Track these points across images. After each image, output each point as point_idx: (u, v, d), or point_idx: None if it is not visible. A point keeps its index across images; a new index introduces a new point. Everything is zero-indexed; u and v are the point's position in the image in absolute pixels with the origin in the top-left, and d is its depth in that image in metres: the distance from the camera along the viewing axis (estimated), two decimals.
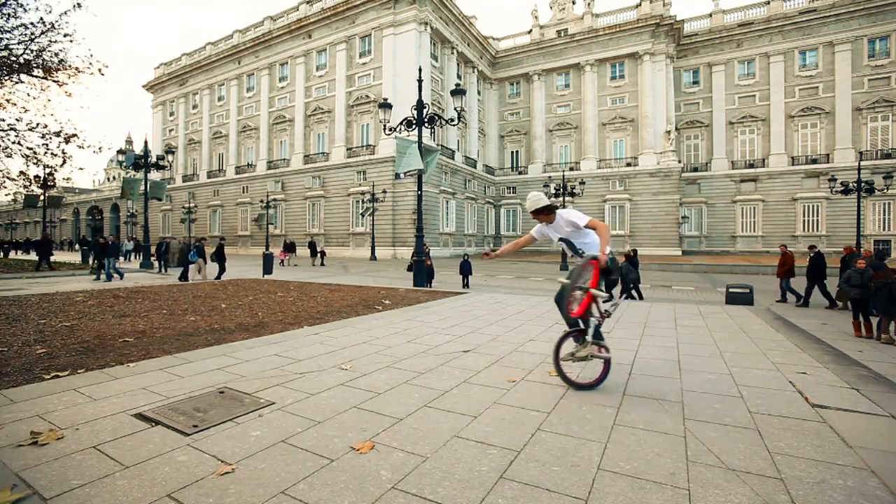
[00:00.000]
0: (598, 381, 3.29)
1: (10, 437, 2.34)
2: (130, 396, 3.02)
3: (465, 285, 12.80)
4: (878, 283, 6.28)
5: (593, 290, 3.12)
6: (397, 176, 12.37)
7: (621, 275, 10.54)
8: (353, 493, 1.86)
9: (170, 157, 19.81)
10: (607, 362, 3.29)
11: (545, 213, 3.41)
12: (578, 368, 3.64)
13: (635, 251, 11.46)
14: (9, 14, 14.09)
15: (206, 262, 13.59)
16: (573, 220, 3.31)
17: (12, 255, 32.64)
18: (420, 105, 12.12)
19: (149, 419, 2.62)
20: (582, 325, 3.29)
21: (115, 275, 13.64)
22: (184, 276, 13.13)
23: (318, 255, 24.16)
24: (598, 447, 2.32)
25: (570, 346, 3.40)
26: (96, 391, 3.11)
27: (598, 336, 3.28)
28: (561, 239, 3.46)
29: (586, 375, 3.49)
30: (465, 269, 13.09)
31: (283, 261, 23.39)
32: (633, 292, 10.67)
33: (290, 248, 24.67)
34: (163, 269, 16.66)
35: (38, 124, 15.66)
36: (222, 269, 13.90)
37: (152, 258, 18.65)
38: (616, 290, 11.23)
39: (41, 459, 2.10)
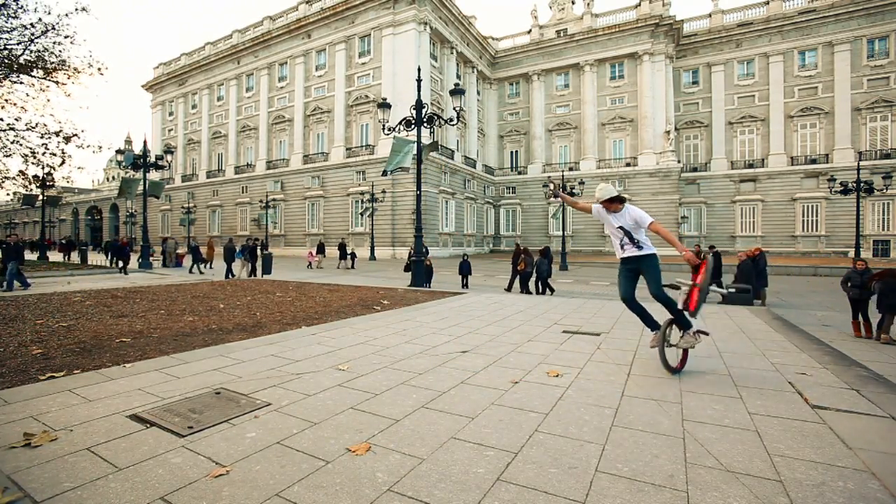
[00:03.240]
0: (684, 363, 3.77)
1: (2, 438, 2.32)
2: (126, 397, 3.00)
3: (465, 285, 12.79)
4: (888, 283, 6.27)
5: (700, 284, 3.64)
6: (385, 173, 12.51)
7: (536, 269, 11.51)
8: (348, 495, 1.84)
9: (169, 157, 19.79)
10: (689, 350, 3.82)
11: (614, 202, 3.78)
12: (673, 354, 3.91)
13: (547, 248, 12.26)
14: (8, 15, 14.06)
15: (249, 261, 15.06)
16: (640, 217, 3.71)
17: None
18: (419, 105, 12.10)
19: (144, 420, 2.60)
20: (689, 317, 3.70)
21: (18, 284, 10.50)
22: (229, 274, 14.70)
23: (349, 257, 22.56)
24: (597, 449, 2.31)
25: (674, 334, 3.82)
26: (91, 392, 3.09)
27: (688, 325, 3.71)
28: (620, 227, 3.78)
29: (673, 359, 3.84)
30: (465, 269, 13.08)
31: (310, 263, 21.78)
32: (544, 286, 11.52)
33: (321, 249, 23.30)
34: (197, 269, 16.73)
35: (36, 124, 15.63)
36: (254, 268, 15.15)
37: (152, 258, 18.70)
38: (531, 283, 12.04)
39: (33, 461, 2.08)
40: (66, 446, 2.24)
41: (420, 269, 12.06)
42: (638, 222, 3.70)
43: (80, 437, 2.36)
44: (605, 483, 1.97)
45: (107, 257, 23.13)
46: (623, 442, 2.39)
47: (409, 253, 13.48)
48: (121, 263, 16.04)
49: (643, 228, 3.72)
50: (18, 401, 2.90)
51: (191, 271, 16.52)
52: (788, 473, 2.06)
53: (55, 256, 28.78)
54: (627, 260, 3.84)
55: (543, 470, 2.08)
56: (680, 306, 3.71)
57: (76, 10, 14.49)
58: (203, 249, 20.04)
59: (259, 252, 16.06)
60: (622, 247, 3.81)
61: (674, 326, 3.82)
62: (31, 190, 19.48)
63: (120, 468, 2.03)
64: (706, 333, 3.92)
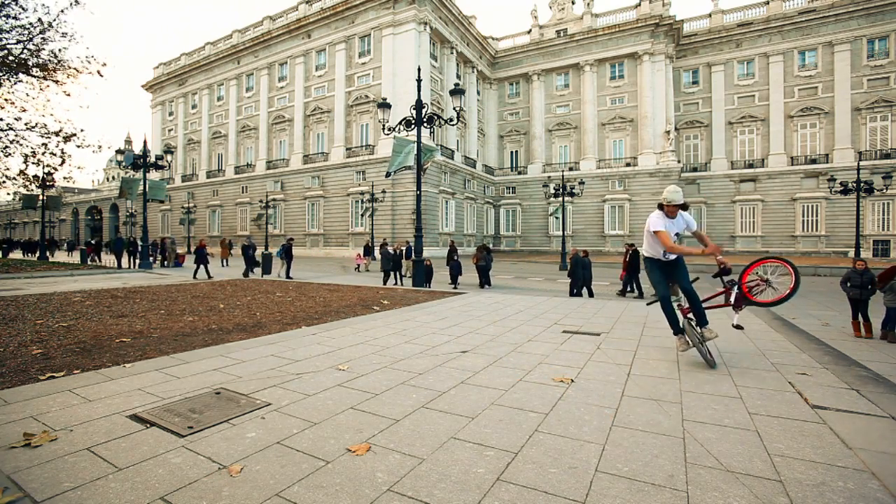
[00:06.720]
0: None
1: (2, 438, 2.32)
2: (126, 397, 3.00)
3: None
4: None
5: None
6: (388, 175, 12.51)
7: (480, 267, 12.35)
8: (348, 495, 1.84)
9: (169, 157, 19.75)
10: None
11: (677, 208, 3.96)
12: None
13: (484, 246, 13.09)
14: (7, 15, 14.07)
15: (285, 260, 15.10)
16: (691, 223, 4.07)
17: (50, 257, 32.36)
18: (419, 105, 12.10)
19: (144, 420, 2.60)
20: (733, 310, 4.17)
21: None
22: (267, 271, 15.82)
23: None
24: (597, 449, 2.31)
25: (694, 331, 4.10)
26: (91, 392, 3.09)
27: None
28: (676, 234, 4.00)
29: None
30: (460, 270, 13.08)
31: (359, 266, 19.83)
32: (486, 280, 12.51)
33: (367, 251, 21.43)
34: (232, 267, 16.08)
35: (36, 124, 15.65)
36: (289, 267, 15.05)
37: (150, 256, 18.69)
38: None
39: (33, 461, 2.08)
40: (66, 446, 2.24)
41: (420, 270, 12.06)
42: (689, 227, 4.05)
43: (80, 437, 2.36)
44: (605, 483, 1.97)
45: (128, 258, 21.59)
46: (623, 442, 2.39)
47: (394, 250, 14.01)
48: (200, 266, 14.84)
49: (689, 235, 4.12)
50: (18, 401, 2.90)
51: (264, 273, 16.03)
52: (788, 473, 2.06)
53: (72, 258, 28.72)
54: (668, 262, 4.09)
55: (543, 470, 2.08)
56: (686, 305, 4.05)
57: (70, 4, 14.53)
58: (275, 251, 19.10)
59: (257, 252, 15.86)
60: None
61: (692, 323, 4.03)
62: (32, 190, 19.48)
63: (120, 468, 2.03)
64: (741, 327, 4.43)
